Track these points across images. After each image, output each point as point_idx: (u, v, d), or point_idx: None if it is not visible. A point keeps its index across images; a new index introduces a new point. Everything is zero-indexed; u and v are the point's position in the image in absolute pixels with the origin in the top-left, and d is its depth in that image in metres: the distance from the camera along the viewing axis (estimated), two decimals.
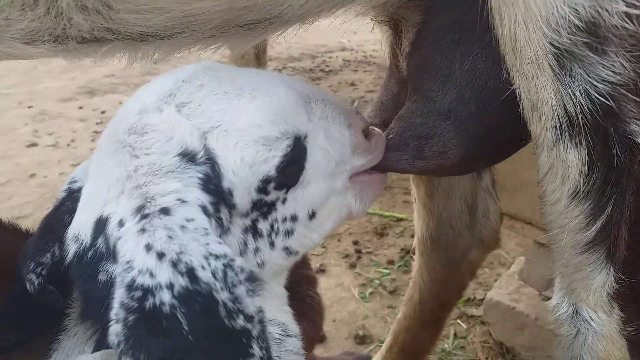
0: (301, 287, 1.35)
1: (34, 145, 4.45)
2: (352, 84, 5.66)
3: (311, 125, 1.04)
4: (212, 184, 0.91)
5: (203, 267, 0.81)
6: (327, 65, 6.36)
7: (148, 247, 0.82)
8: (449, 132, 1.09)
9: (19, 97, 5.43)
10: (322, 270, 2.85)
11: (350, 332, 2.50)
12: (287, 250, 1.03)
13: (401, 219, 3.23)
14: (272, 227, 1.00)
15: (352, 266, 2.86)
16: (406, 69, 1.23)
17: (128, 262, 0.82)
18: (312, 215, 1.04)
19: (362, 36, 6.69)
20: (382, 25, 1.32)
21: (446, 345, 2.39)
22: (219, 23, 1.00)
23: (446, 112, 1.09)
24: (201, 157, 0.91)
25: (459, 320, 2.51)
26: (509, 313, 2.24)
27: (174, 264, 0.80)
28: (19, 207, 3.51)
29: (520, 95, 0.95)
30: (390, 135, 1.14)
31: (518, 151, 1.94)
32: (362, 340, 2.46)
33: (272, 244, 1.00)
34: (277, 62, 6.44)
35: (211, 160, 0.92)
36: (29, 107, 5.19)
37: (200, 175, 0.90)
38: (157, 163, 0.89)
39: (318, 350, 2.41)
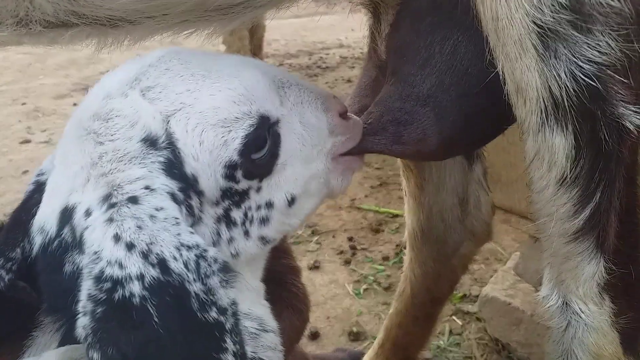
0: (285, 277, 1.33)
1: (27, 142, 4.44)
2: (349, 81, 5.64)
3: (285, 110, 1.01)
4: (175, 168, 0.89)
5: (175, 258, 0.79)
6: (324, 62, 6.35)
7: (116, 238, 0.80)
8: (428, 118, 1.07)
9: (14, 94, 5.42)
10: (316, 267, 2.83)
11: (344, 329, 2.47)
12: (263, 239, 1.01)
13: (397, 215, 3.21)
14: (246, 215, 0.97)
15: (347, 262, 2.84)
16: (385, 51, 1.19)
17: (96, 253, 0.80)
18: (292, 201, 1.02)
19: (360, 33, 6.62)
20: (361, 8, 1.29)
21: (441, 342, 2.36)
22: (190, 7, 0.97)
23: (425, 97, 1.07)
24: (162, 141, 0.89)
25: (454, 317, 2.48)
26: (504, 309, 2.21)
27: (145, 255, 0.79)
28: (11, 203, 3.49)
29: (504, 78, 0.92)
30: (369, 120, 1.12)
31: (513, 143, 1.94)
32: (356, 337, 2.43)
33: (246, 233, 0.98)
34: (274, 59, 6.42)
35: (172, 145, 0.89)
36: (22, 104, 5.19)
37: (162, 160, 0.88)
38: (121, 149, 0.87)
39: (311, 347, 2.39)
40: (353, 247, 2.98)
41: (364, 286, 2.69)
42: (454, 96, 1.05)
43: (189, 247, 0.80)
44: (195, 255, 0.80)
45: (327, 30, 7.34)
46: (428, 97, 1.06)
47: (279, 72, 1.07)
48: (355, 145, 1.13)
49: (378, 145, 1.11)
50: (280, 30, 7.14)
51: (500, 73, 0.92)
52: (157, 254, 0.78)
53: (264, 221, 1.00)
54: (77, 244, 0.82)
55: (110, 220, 0.81)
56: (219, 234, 0.95)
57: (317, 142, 1.06)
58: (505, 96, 0.95)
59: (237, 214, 0.96)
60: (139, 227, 0.80)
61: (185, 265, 0.78)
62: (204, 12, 1.01)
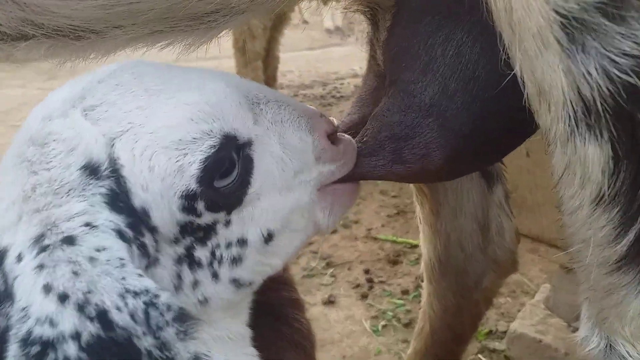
0: (286, 311, 1.19)
1: None
2: None
3: (259, 130, 0.88)
4: (121, 201, 0.76)
5: (118, 308, 0.68)
6: (339, 92, 6.30)
7: (47, 288, 0.68)
8: (432, 130, 0.94)
9: None
10: (331, 302, 2.72)
11: None
12: (236, 282, 0.87)
13: (416, 246, 3.07)
14: (213, 254, 0.84)
15: (364, 297, 2.74)
16: (382, 59, 1.07)
17: (24, 309, 0.68)
18: (269, 238, 0.88)
19: None
20: (359, 15, 1.19)
21: None
22: (158, 15, 0.86)
23: (427, 107, 0.94)
24: (105, 169, 0.77)
25: (480, 355, 2.34)
26: (535, 346, 2.10)
27: (80, 307, 0.67)
28: None
29: (523, 80, 0.78)
30: (365, 138, 0.99)
31: (538, 163, 1.80)
32: None
33: (215, 276, 0.85)
34: (288, 89, 6.40)
35: (116, 173, 0.77)
36: None
37: (103, 191, 0.76)
38: (58, 179, 0.76)
39: None
40: (370, 280, 2.85)
41: (383, 322, 2.57)
42: (460, 104, 0.93)
43: (135, 293, 0.69)
44: (144, 302, 0.69)
45: (340, 61, 7.34)
46: (431, 107, 0.94)
47: (256, 87, 0.94)
48: (349, 172, 1.00)
49: (375, 168, 0.98)
50: (295, 61, 7.15)
51: (519, 74, 0.78)
52: (97, 305, 0.67)
53: (236, 261, 0.86)
54: (9, 296, 0.71)
55: (41, 267, 0.70)
56: (179, 277, 0.82)
57: (299, 167, 0.92)
58: (524, 101, 0.81)
59: (202, 253, 0.83)
60: (75, 274, 0.69)
61: (132, 316, 0.67)
62: (176, 21, 0.91)
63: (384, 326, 2.54)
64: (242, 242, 0.86)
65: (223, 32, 0.96)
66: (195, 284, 0.83)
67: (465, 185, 1.48)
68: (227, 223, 0.84)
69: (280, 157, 0.90)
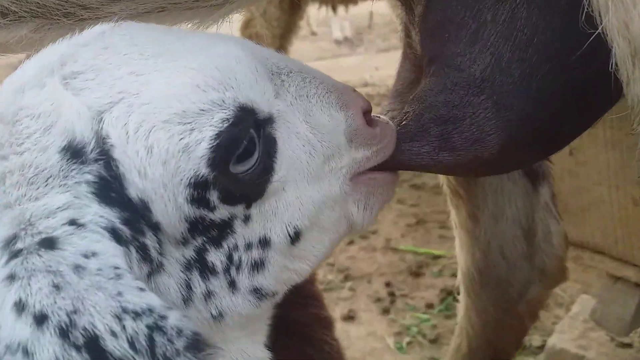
0: (314, 331, 1.05)
1: None
2: None
3: (282, 105, 0.74)
4: (113, 190, 0.62)
5: (113, 334, 0.54)
6: None
7: (19, 306, 0.54)
8: (485, 110, 0.82)
9: None
10: (350, 317, 2.61)
11: None
12: (258, 293, 0.73)
13: (439, 256, 2.98)
14: (229, 259, 0.70)
15: (386, 311, 2.65)
16: (419, 39, 0.93)
17: None
18: (295, 237, 0.74)
19: (384, 71, 6.55)
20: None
21: None
22: None
23: (479, 82, 0.82)
24: (91, 150, 0.63)
25: None
26: None
27: (63, 332, 0.53)
28: None
29: (609, 38, 0.63)
30: (405, 122, 0.85)
31: (583, 164, 1.66)
32: None
33: (232, 284, 0.70)
34: None
35: (105, 155, 0.63)
36: None
37: (90, 179, 0.61)
38: (32, 165, 0.61)
39: None
40: (391, 294, 2.75)
41: (407, 339, 2.46)
42: (518, 77, 0.80)
43: (135, 314, 0.55)
44: (148, 325, 0.55)
45: (351, 70, 7.28)
46: (483, 82, 0.81)
47: (275, 55, 0.80)
48: (386, 160, 0.85)
49: (418, 156, 0.85)
50: None
51: (606, 30, 0.63)
52: (85, 329, 0.54)
53: (257, 266, 0.72)
54: None
55: (11, 277, 0.56)
56: (189, 287, 0.68)
57: (330, 151, 0.78)
58: (606, 68, 0.67)
59: (216, 257, 0.69)
60: (56, 287, 0.55)
61: (132, 343, 0.54)
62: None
63: (409, 343, 2.44)
64: (265, 243, 0.72)
65: (230, 13, 0.82)
66: (209, 295, 0.69)
67: (506, 185, 1.35)
68: (247, 219, 0.70)
69: (307, 138, 0.75)
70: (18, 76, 0.69)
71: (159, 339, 0.55)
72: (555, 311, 2.54)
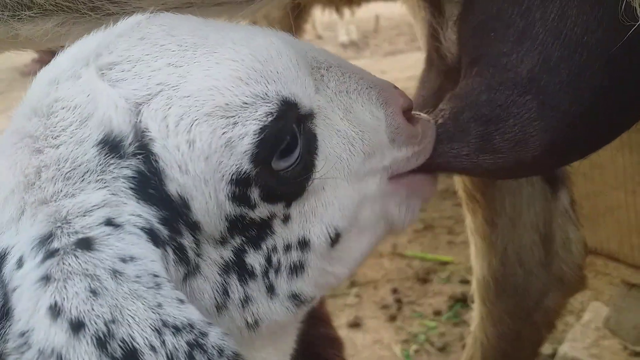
0: (324, 351, 1.01)
1: None
2: None
3: (322, 100, 0.71)
4: (152, 187, 0.59)
5: (153, 348, 0.51)
6: None
7: (54, 311, 0.51)
8: (530, 110, 0.79)
9: None
10: (356, 324, 2.57)
11: None
12: (297, 298, 0.70)
13: (447, 263, 2.93)
14: (268, 261, 0.67)
15: (392, 318, 2.60)
16: (457, 39, 0.92)
17: (23, 335, 0.51)
18: (335, 239, 0.71)
19: (391, 75, 6.51)
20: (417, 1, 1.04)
21: None
22: None
23: (525, 82, 0.79)
24: (130, 144, 0.60)
25: None
26: None
27: (101, 343, 0.51)
28: None
29: None
30: (441, 120, 0.81)
31: (598, 166, 1.63)
32: None
33: (270, 289, 0.67)
34: None
35: (144, 149, 0.60)
36: None
37: (129, 174, 0.59)
38: (69, 159, 0.59)
39: None
40: (398, 300, 2.70)
41: (414, 347, 2.41)
42: (565, 77, 0.77)
43: (176, 329, 0.52)
44: (188, 342, 0.52)
45: None
46: (530, 82, 0.78)
47: (313, 48, 0.77)
48: (424, 162, 0.83)
49: (457, 158, 0.82)
50: None
51: None
52: (123, 341, 0.51)
53: (297, 270, 0.69)
54: (7, 312, 0.55)
55: (46, 279, 0.53)
56: (225, 292, 0.65)
57: (371, 149, 0.75)
58: None
59: (255, 260, 0.66)
60: (93, 293, 0.53)
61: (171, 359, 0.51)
62: None
63: (416, 351, 2.39)
64: (304, 245, 0.69)
65: (260, 9, 0.84)
66: (246, 300, 0.66)
67: (525, 190, 1.31)
68: (286, 219, 0.67)
69: (348, 136, 0.73)
70: (52, 68, 0.67)
71: (199, 357, 0.52)
72: (565, 318, 2.48)
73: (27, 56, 4.58)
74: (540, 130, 0.79)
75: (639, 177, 1.51)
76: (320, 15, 5.78)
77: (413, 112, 0.82)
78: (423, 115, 0.84)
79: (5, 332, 0.53)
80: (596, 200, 1.61)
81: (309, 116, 0.69)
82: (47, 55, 0.87)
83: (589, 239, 1.68)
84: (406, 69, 5.65)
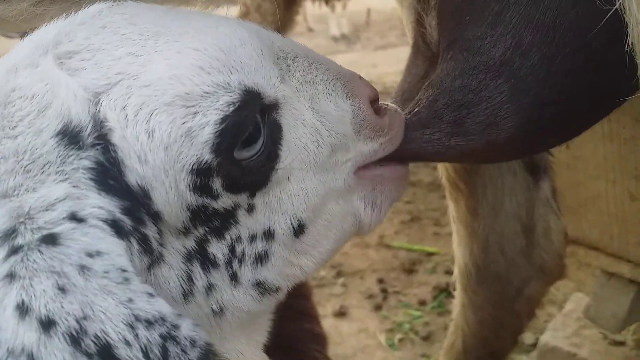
0: (306, 347, 1.01)
1: None
2: None
3: (287, 90, 0.71)
4: (111, 178, 0.59)
5: (127, 343, 0.51)
6: None
7: (22, 309, 0.51)
8: (501, 94, 0.79)
9: None
10: (342, 313, 2.60)
11: None
12: (260, 286, 0.70)
13: (432, 253, 2.96)
14: (232, 250, 0.67)
15: (378, 308, 2.63)
16: (436, 23, 0.91)
17: None
18: (299, 230, 0.72)
19: (382, 69, 6.53)
20: None
21: None
22: None
23: (497, 66, 0.79)
24: (88, 134, 0.59)
25: None
26: None
27: (74, 340, 0.50)
28: None
29: (628, 15, 0.60)
30: (416, 109, 0.82)
31: (580, 158, 1.64)
32: None
33: (234, 278, 0.68)
34: None
35: (103, 139, 0.59)
36: None
37: (88, 165, 0.58)
38: (28, 150, 0.58)
39: None
40: (384, 290, 2.73)
41: (399, 336, 2.44)
42: (537, 61, 0.77)
43: (148, 322, 0.52)
44: (161, 335, 0.52)
45: (348, 67, 7.24)
46: (502, 65, 0.78)
47: (279, 38, 0.76)
48: (395, 151, 0.82)
49: (429, 143, 0.82)
50: None
51: (621, 7, 0.61)
52: (97, 337, 0.50)
53: (261, 259, 0.69)
54: None
55: (11, 276, 0.52)
56: (190, 280, 0.64)
57: (337, 141, 0.75)
58: (625, 51, 0.64)
59: (218, 249, 0.66)
60: (62, 290, 0.52)
61: (145, 353, 0.51)
62: None
63: (401, 340, 2.42)
64: (269, 235, 0.69)
65: None
66: (210, 288, 0.66)
67: (507, 179, 1.31)
68: (250, 209, 0.67)
69: (314, 126, 0.73)
70: (11, 56, 0.65)
71: (172, 349, 0.52)
72: (548, 309, 2.53)
73: (13, 43, 4.53)
74: (511, 113, 0.79)
75: (619, 167, 1.52)
76: (311, 8, 5.76)
77: (380, 102, 0.82)
78: (390, 105, 0.84)
79: None
80: (578, 190, 1.61)
81: (274, 106, 0.68)
82: None
83: (571, 228, 1.70)
84: (397, 62, 5.63)
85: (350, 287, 2.76)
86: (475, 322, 1.46)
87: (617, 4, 0.62)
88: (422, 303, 2.60)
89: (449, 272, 2.68)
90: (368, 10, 8.06)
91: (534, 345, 2.24)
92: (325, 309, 2.61)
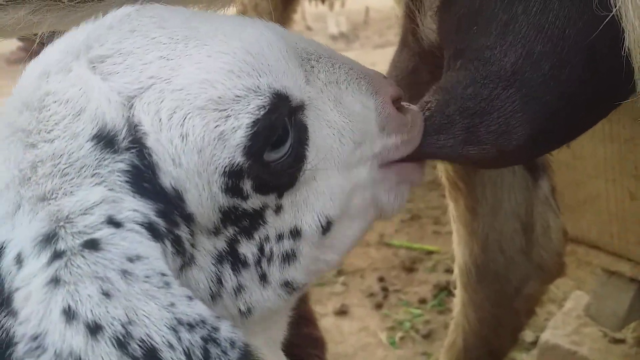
0: (306, 352, 1.01)
1: None
2: None
3: (313, 92, 0.72)
4: (146, 180, 0.59)
5: (171, 347, 0.52)
6: None
7: (69, 314, 0.52)
8: (513, 103, 0.80)
9: None
10: (343, 312, 2.60)
11: None
12: (289, 286, 0.71)
13: (432, 252, 2.96)
14: (261, 250, 0.68)
15: (379, 306, 2.63)
16: (438, 30, 0.93)
17: (35, 338, 0.51)
18: (327, 227, 0.72)
19: (380, 67, 6.49)
20: None
21: None
22: None
23: (509, 76, 0.80)
24: (123, 138, 0.60)
25: None
26: (569, 358, 2.00)
27: (121, 344, 0.51)
28: None
29: (625, 20, 0.61)
30: (428, 113, 0.83)
31: (580, 157, 1.65)
32: None
33: (263, 278, 0.69)
34: None
35: (138, 143, 0.60)
36: None
37: (123, 168, 0.58)
38: (65, 154, 0.58)
39: None
40: (384, 289, 2.73)
41: (400, 334, 2.44)
42: (548, 70, 0.79)
43: (190, 326, 0.54)
44: (202, 337, 0.54)
45: None
46: (513, 75, 0.80)
47: (303, 39, 0.77)
48: (412, 152, 0.84)
49: (443, 149, 0.84)
50: None
51: (619, 14, 0.62)
52: (142, 341, 0.52)
53: (289, 258, 0.70)
54: (4, 302, 0.55)
55: (55, 281, 0.53)
56: (219, 281, 0.65)
57: (361, 139, 0.76)
58: (622, 57, 0.65)
59: (247, 249, 0.67)
60: (106, 295, 0.53)
61: (188, 355, 0.52)
62: None
63: (402, 338, 2.42)
64: (296, 234, 0.70)
65: None
66: (239, 289, 0.67)
67: (506, 178, 1.33)
68: (278, 209, 0.68)
69: (338, 126, 0.73)
70: (41, 61, 0.66)
71: (213, 350, 0.53)
72: (548, 307, 2.52)
73: (13, 44, 4.53)
74: (522, 122, 0.80)
75: (619, 166, 1.53)
76: (309, 6, 5.76)
77: (402, 102, 0.84)
78: (412, 105, 0.85)
79: (7, 319, 0.53)
80: (578, 189, 1.62)
81: (300, 108, 0.69)
82: (33, 44, 0.86)
83: (571, 227, 1.71)
84: None
85: (350, 286, 2.76)
86: (476, 321, 1.48)
87: (614, 10, 0.63)
88: (423, 301, 2.61)
89: (449, 271, 2.69)
90: (366, 9, 8.06)
91: (535, 343, 2.24)
92: (326, 308, 2.62)
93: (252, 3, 3.81)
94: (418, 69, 1.07)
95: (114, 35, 0.65)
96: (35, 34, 0.85)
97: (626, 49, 0.65)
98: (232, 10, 0.96)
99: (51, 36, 0.71)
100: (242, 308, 0.68)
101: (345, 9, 7.73)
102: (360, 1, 7.99)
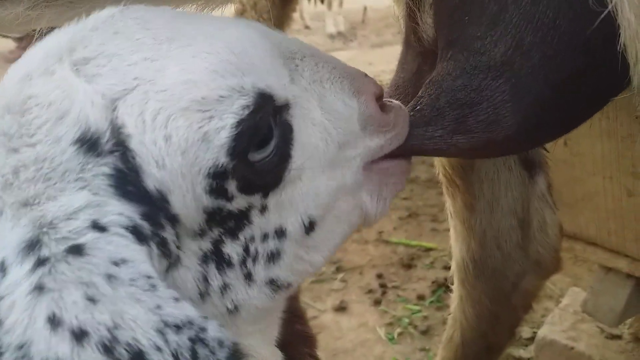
0: (297, 349, 1.00)
1: None
2: None
3: (297, 91, 0.72)
4: (130, 183, 0.59)
5: (158, 349, 0.51)
6: None
7: (53, 321, 0.51)
8: (502, 93, 0.80)
9: None
10: (342, 308, 2.61)
11: None
12: (273, 284, 0.71)
13: (430, 249, 2.98)
14: (246, 250, 0.68)
15: (377, 303, 2.65)
16: (432, 25, 0.92)
17: (20, 348, 0.51)
18: (310, 227, 0.72)
19: (378, 67, 6.52)
20: None
21: None
22: None
23: (498, 66, 0.80)
24: (107, 141, 0.59)
25: None
26: (566, 354, 2.00)
27: (107, 349, 0.51)
28: None
29: (617, 19, 0.62)
30: (419, 106, 0.83)
31: (578, 154, 1.65)
32: None
33: (248, 277, 0.69)
34: None
35: (121, 146, 0.59)
36: None
37: (107, 171, 0.58)
38: (47, 158, 0.58)
39: None
40: (383, 285, 2.74)
41: (398, 330, 2.45)
42: (537, 60, 0.78)
43: (177, 327, 0.53)
44: (190, 338, 0.53)
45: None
46: (502, 65, 0.80)
47: (286, 38, 0.77)
48: (399, 146, 0.84)
49: (432, 140, 0.84)
50: None
51: (615, 10, 0.62)
52: (129, 345, 0.51)
53: (274, 257, 0.70)
54: None
55: (40, 289, 0.52)
56: (206, 281, 0.66)
57: (344, 139, 0.76)
58: (617, 51, 0.66)
59: (232, 249, 0.67)
60: (91, 300, 0.52)
61: (176, 357, 0.52)
62: None
63: (400, 334, 2.43)
64: (281, 234, 0.70)
65: None
66: (225, 288, 0.67)
67: (503, 175, 1.33)
68: (263, 209, 0.68)
69: (323, 125, 0.73)
70: (23, 64, 0.65)
71: (201, 351, 0.53)
72: (545, 304, 2.54)
73: (11, 42, 4.52)
74: (512, 112, 0.80)
75: (617, 164, 1.53)
76: (307, 6, 5.75)
77: (385, 99, 0.83)
78: (395, 102, 0.85)
79: None
80: (575, 186, 1.63)
81: (285, 107, 0.69)
82: (30, 42, 0.85)
83: (569, 224, 1.72)
84: (393, 60, 5.63)
85: (349, 283, 2.77)
86: (473, 316, 1.48)
87: (610, 6, 0.63)
88: (421, 298, 2.62)
89: (447, 268, 2.68)
90: (364, 8, 8.06)
91: (532, 339, 2.25)
92: (325, 304, 2.63)
93: (251, 2, 3.80)
94: (421, 69, 1.06)
95: (98, 37, 0.64)
96: (34, 30, 0.85)
97: (622, 45, 0.65)
98: (230, 9, 0.96)
99: (50, 32, 0.71)
100: (229, 306, 0.68)
101: (343, 8, 7.74)
102: (358, 0, 8.00)
